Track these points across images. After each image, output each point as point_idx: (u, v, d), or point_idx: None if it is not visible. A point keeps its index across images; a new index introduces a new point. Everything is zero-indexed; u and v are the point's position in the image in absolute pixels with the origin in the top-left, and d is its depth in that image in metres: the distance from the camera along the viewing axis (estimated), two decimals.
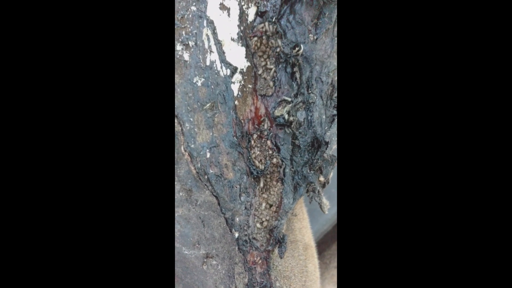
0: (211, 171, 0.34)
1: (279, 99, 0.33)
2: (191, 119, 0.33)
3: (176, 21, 0.32)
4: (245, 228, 0.35)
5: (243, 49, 0.33)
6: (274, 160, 0.34)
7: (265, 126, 0.34)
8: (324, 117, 0.33)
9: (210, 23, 0.32)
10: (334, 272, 0.61)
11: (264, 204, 0.35)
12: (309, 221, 0.43)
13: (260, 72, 0.33)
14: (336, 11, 0.31)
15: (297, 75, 0.32)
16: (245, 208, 0.35)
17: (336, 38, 0.32)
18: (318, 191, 0.34)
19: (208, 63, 0.33)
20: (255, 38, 0.33)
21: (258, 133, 0.34)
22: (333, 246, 0.62)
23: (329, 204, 0.35)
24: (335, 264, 0.62)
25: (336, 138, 0.34)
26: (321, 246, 0.62)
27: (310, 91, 0.32)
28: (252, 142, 0.34)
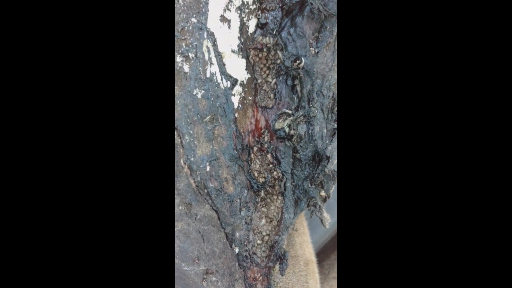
0: (211, 185, 0.34)
1: (280, 112, 0.34)
2: (191, 132, 0.33)
3: (176, 33, 0.33)
4: (245, 243, 0.35)
5: (244, 61, 0.33)
6: (275, 173, 0.35)
7: (266, 139, 0.34)
8: (325, 130, 0.34)
9: (211, 35, 0.32)
10: (333, 283, 0.61)
11: (264, 219, 0.35)
12: (309, 234, 0.43)
13: (259, 81, 0.34)
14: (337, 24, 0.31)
15: (298, 88, 0.33)
16: (246, 223, 0.35)
17: (337, 52, 0.32)
18: (319, 206, 0.34)
19: (208, 75, 0.33)
20: (253, 51, 0.33)
21: (259, 146, 0.34)
22: (332, 256, 0.63)
23: (329, 218, 0.35)
24: (334, 274, 0.62)
25: (337, 152, 0.34)
26: (320, 256, 0.63)
27: (311, 105, 0.33)
28: (252, 155, 0.34)
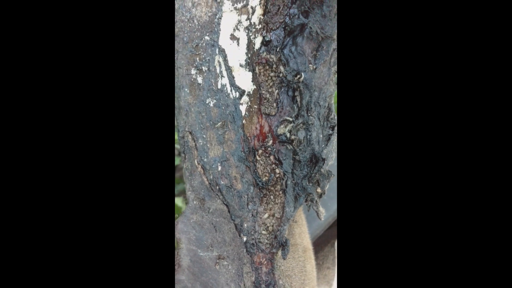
0: (222, 182, 0.37)
1: (282, 119, 0.37)
2: (204, 136, 0.36)
3: (191, 49, 0.36)
4: (252, 233, 0.38)
5: (250, 74, 0.36)
6: (277, 171, 0.37)
7: (269, 143, 0.37)
8: (321, 136, 0.37)
9: (222, 51, 0.35)
10: (326, 272, 0.64)
11: (268, 212, 0.38)
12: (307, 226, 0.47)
13: (264, 92, 0.36)
14: (333, 45, 0.35)
15: (298, 99, 0.36)
16: (252, 215, 0.38)
17: (332, 68, 0.36)
18: (316, 201, 0.37)
19: (219, 86, 0.36)
20: (258, 65, 0.36)
21: (263, 149, 0.37)
22: (325, 248, 0.65)
23: (324, 212, 0.39)
24: (327, 264, 0.65)
25: (333, 155, 0.37)
26: (315, 248, 0.66)
27: (309, 114, 0.36)
28: (257, 156, 0.37)
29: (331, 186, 0.60)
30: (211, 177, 0.37)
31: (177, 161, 0.73)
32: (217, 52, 0.35)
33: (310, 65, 0.35)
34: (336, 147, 0.37)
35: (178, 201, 0.66)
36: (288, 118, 0.37)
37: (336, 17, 0.34)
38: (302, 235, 0.40)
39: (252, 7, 0.34)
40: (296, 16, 0.34)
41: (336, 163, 0.50)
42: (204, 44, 0.35)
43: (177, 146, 0.72)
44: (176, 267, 0.36)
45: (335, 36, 0.34)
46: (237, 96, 0.36)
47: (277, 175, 0.38)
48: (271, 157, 0.37)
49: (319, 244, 0.65)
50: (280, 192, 0.38)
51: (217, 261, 0.37)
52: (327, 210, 0.58)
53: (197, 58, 0.35)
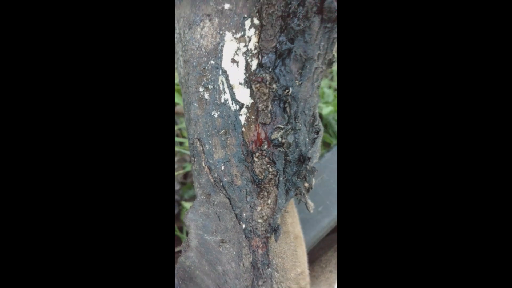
0: (224, 179, 0.41)
1: (275, 127, 0.41)
2: (210, 142, 0.41)
3: (199, 71, 0.42)
4: (250, 221, 0.41)
5: (248, 90, 0.41)
6: (271, 169, 0.41)
7: (265, 146, 0.41)
8: (307, 139, 0.41)
9: (224, 72, 0.40)
10: (328, 275, 0.64)
11: (261, 205, 0.42)
12: (307, 229, 0.49)
13: (260, 105, 0.41)
14: (314, 64, 0.41)
15: (288, 109, 0.41)
16: (250, 206, 0.41)
17: (315, 83, 0.41)
18: (304, 194, 0.41)
19: (222, 100, 0.41)
20: (254, 83, 0.41)
21: (259, 151, 0.41)
22: (329, 252, 0.66)
23: (313, 205, 0.43)
24: (330, 268, 0.64)
25: (317, 155, 0.41)
26: (319, 252, 0.65)
27: (297, 121, 0.40)
28: (255, 158, 0.42)
29: (333, 192, 0.61)
30: (216, 175, 0.41)
31: (188, 167, 0.78)
32: (220, 73, 0.39)
33: (296, 81, 0.40)
34: (319, 148, 0.42)
35: (188, 205, 0.70)
36: (280, 125, 0.41)
37: (317, 41, 0.40)
38: (293, 224, 0.43)
39: (248, 37, 0.40)
40: (284, 42, 0.40)
41: (336, 168, 0.54)
42: (210, 67, 0.40)
43: (178, 150, 0.76)
44: (186, 247, 0.40)
45: (316, 57, 0.40)
46: (237, 108, 0.40)
47: (271, 173, 0.41)
48: (266, 158, 0.41)
49: (322, 248, 0.66)
50: (274, 187, 0.41)
51: (220, 244, 0.41)
52: (329, 214, 0.59)
53: (204, 78, 0.41)
